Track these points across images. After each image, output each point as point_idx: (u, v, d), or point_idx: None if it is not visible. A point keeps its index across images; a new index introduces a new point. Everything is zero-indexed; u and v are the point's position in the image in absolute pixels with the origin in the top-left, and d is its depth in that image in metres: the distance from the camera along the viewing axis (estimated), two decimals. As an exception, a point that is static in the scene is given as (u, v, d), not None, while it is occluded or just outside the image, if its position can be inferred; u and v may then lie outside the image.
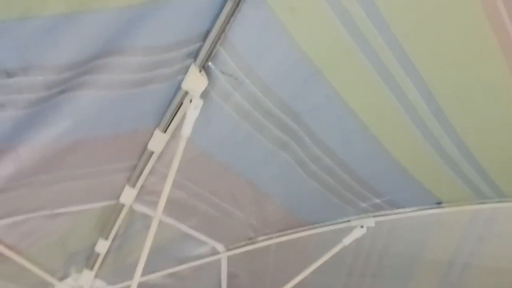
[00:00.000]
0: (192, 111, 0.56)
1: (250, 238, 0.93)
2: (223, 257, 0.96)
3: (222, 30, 0.50)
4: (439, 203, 0.84)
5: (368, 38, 0.49)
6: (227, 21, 0.49)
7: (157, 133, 0.62)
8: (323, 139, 0.65)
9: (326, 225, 0.89)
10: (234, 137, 0.67)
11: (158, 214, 0.69)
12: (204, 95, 0.57)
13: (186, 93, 0.56)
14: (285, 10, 0.48)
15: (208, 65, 0.55)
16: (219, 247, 0.94)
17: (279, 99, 0.59)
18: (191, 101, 0.56)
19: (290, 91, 0.58)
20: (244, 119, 0.62)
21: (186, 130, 0.57)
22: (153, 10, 0.44)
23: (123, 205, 0.75)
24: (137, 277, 0.76)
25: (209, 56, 0.53)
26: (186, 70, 0.55)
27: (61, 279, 0.91)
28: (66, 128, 0.55)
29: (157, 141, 0.63)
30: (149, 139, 0.63)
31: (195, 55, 0.53)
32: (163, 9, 0.44)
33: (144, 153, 0.66)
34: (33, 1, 0.38)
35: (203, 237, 0.90)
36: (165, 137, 0.62)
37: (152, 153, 0.65)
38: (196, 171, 0.73)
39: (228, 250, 0.95)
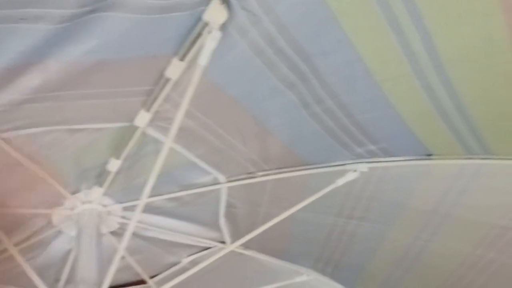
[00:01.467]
0: (210, 42, 0.60)
1: (250, 172, 1.00)
2: (224, 187, 1.03)
3: (247, -35, 0.53)
4: (429, 155, 0.90)
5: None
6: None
7: (175, 61, 0.66)
8: (329, 82, 0.70)
9: (322, 167, 0.96)
10: (246, 73, 0.71)
11: (169, 140, 0.75)
12: (223, 28, 0.61)
13: (206, 24, 0.60)
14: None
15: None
16: (221, 178, 1.01)
17: (293, 39, 0.62)
18: (210, 32, 0.60)
19: (304, 32, 0.61)
20: (258, 55, 0.66)
21: (204, 59, 0.61)
22: None
23: (136, 128, 0.81)
24: (144, 198, 0.84)
25: (232, -11, 0.56)
26: (208, 1, 0.58)
27: (73, 193, 0.99)
28: (92, 47, 0.59)
29: (175, 69, 0.67)
30: (167, 66, 0.68)
31: (218, -11, 0.57)
32: None
33: (161, 80, 0.70)
34: None
35: (207, 167, 0.96)
36: (183, 65, 0.66)
37: (168, 80, 0.70)
38: (207, 102, 0.78)
39: (229, 181, 1.02)
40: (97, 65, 0.63)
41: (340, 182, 0.91)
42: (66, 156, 0.88)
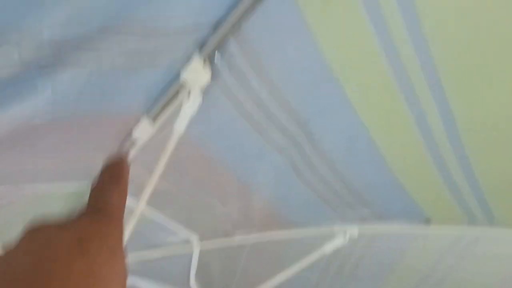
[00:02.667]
0: (189, 106, 0.49)
1: (228, 232, 0.89)
2: (196, 247, 0.92)
3: (237, 20, 0.44)
4: (427, 220, 0.82)
5: (400, 51, 0.44)
6: (244, 12, 0.43)
7: (145, 120, 0.55)
8: (325, 149, 0.61)
9: (309, 229, 0.86)
10: (229, 132, 0.61)
11: (140, 206, 0.64)
12: (205, 88, 0.51)
13: (185, 83, 0.50)
14: (314, 8, 0.42)
15: (214, 56, 0.48)
16: (194, 237, 0.89)
17: (287, 102, 0.53)
18: (189, 93, 0.49)
19: (301, 95, 0.52)
20: (244, 116, 0.56)
21: (180, 126, 0.51)
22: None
23: (97, 188, 0.69)
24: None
25: (217, 46, 0.46)
26: (188, 58, 0.48)
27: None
28: (42, 108, 0.48)
29: (144, 129, 0.56)
30: (135, 125, 0.57)
31: (201, 43, 0.46)
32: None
33: (127, 138, 0.59)
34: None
35: (179, 226, 0.85)
36: (153, 126, 0.56)
37: (136, 139, 0.59)
38: (183, 159, 0.67)
39: (203, 241, 0.90)
40: (49, 123, 0.52)
41: (328, 249, 0.82)
42: (13, 215, 0.75)
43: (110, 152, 0.63)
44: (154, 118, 0.55)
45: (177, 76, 0.49)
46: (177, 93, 0.51)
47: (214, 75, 0.50)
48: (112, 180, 0.39)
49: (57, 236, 0.30)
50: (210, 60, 0.48)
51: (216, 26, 0.44)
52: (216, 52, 0.47)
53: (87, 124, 0.55)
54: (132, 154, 0.63)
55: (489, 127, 0.52)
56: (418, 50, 0.42)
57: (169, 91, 0.51)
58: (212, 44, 0.46)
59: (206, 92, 0.52)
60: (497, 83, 0.46)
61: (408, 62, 0.44)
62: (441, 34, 0.41)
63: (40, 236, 0.30)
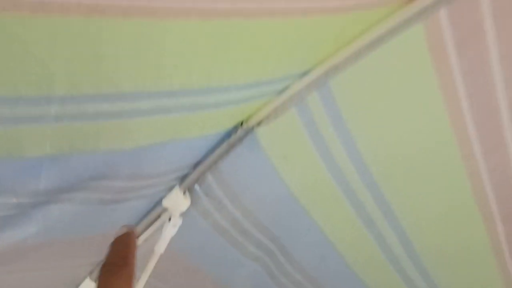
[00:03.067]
0: (169, 229, 0.54)
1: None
2: None
3: (214, 162, 0.49)
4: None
5: (356, 192, 0.50)
6: (220, 157, 0.49)
7: (129, 238, 0.59)
8: (297, 259, 0.65)
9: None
10: (208, 247, 0.65)
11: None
12: (185, 212, 0.56)
13: (166, 209, 0.55)
14: (278, 157, 0.48)
15: (194, 187, 0.54)
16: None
17: (259, 223, 0.58)
18: (170, 219, 0.54)
19: (272, 219, 0.57)
20: (221, 234, 0.60)
21: (161, 247, 0.55)
22: (147, 150, 0.43)
23: (80, 295, 0.71)
24: None
25: (197, 180, 0.52)
26: (170, 189, 0.53)
27: None
28: (33, 232, 0.52)
29: (127, 245, 0.60)
30: (119, 241, 0.61)
31: (181, 178, 0.52)
32: (155, 149, 0.43)
33: (111, 253, 0.63)
34: (12, 147, 0.36)
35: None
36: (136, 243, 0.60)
37: (120, 253, 0.62)
38: (163, 269, 0.70)
39: None
40: (37, 246, 0.56)
41: None
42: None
43: (95, 264, 0.67)
44: (137, 236, 0.59)
45: (159, 203, 0.55)
46: (159, 216, 0.56)
47: (194, 202, 0.55)
48: (119, 262, 0.38)
49: None
50: (190, 190, 0.54)
51: (196, 166, 0.50)
52: (196, 184, 0.53)
53: (74, 242, 0.59)
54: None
55: (443, 255, 0.57)
56: (369, 188, 0.49)
57: (151, 215, 0.56)
58: (192, 179, 0.51)
59: (187, 215, 0.56)
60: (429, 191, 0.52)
61: (361, 195, 0.50)
62: (381, 169, 0.47)
63: None
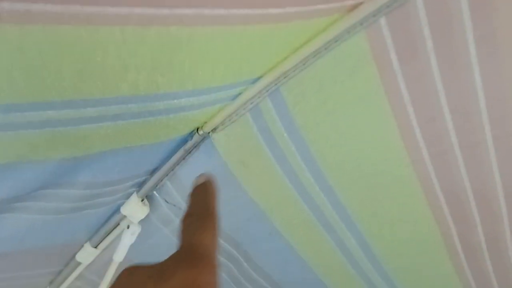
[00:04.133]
0: (128, 237, 0.53)
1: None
2: None
3: (171, 169, 0.49)
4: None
5: (313, 196, 0.50)
6: (177, 163, 0.49)
7: (87, 247, 0.58)
8: (260, 265, 0.65)
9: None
10: (168, 253, 0.64)
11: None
12: (144, 219, 0.55)
13: (124, 216, 0.54)
14: (236, 162, 0.48)
15: (152, 194, 0.53)
16: None
17: (221, 229, 0.58)
18: (128, 226, 0.54)
19: (233, 225, 0.57)
20: (183, 241, 0.60)
21: (120, 255, 0.54)
22: (100, 158, 0.42)
23: (40, 306, 0.69)
24: None
25: (155, 187, 0.52)
26: (127, 196, 0.53)
27: None
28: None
29: (86, 254, 0.59)
30: (78, 250, 0.60)
31: (139, 185, 0.52)
32: (108, 157, 0.43)
33: (71, 262, 0.62)
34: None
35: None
36: (96, 252, 0.59)
37: (79, 263, 0.61)
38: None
39: None
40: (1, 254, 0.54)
41: None
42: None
43: (55, 274, 0.65)
44: (96, 245, 0.58)
45: (117, 210, 0.54)
46: (118, 224, 0.56)
47: (153, 209, 0.55)
48: (201, 213, 0.35)
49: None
50: (148, 197, 0.53)
51: (153, 173, 0.50)
52: (154, 191, 0.53)
53: (32, 252, 0.57)
54: (76, 273, 0.66)
55: (399, 253, 0.58)
56: (325, 193, 0.49)
57: (109, 223, 0.55)
58: (149, 186, 0.51)
59: (146, 222, 0.56)
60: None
61: (318, 200, 0.51)
62: (335, 174, 0.48)
63: (133, 281, 0.28)
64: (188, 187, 0.53)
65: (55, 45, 0.28)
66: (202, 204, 0.35)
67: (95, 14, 0.26)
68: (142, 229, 0.56)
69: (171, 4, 0.26)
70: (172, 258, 0.30)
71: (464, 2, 0.32)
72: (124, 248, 0.54)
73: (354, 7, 0.34)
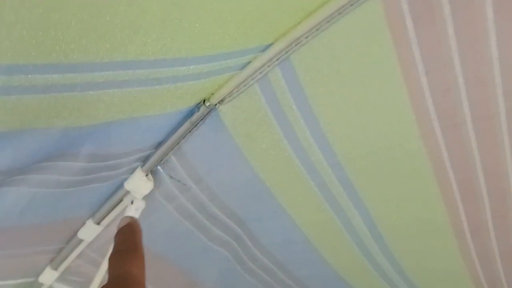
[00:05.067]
0: (132, 213, 0.53)
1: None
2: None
3: (177, 143, 0.48)
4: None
5: (320, 172, 0.50)
6: (182, 136, 0.48)
7: (90, 223, 0.57)
8: (264, 244, 0.64)
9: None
10: (173, 232, 0.64)
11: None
12: (148, 195, 0.54)
13: (128, 192, 0.53)
14: (242, 136, 0.47)
15: (157, 169, 0.52)
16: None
17: (225, 206, 0.57)
18: (132, 202, 0.53)
19: (238, 202, 0.57)
20: (186, 219, 0.59)
21: (123, 231, 0.53)
22: (104, 128, 0.41)
23: (41, 284, 0.69)
24: None
25: (159, 162, 0.51)
26: (132, 171, 0.52)
27: None
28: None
29: (89, 231, 0.58)
30: (80, 227, 0.59)
31: (143, 160, 0.51)
32: (114, 128, 0.42)
33: (72, 239, 0.61)
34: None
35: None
36: (98, 228, 0.58)
37: (81, 240, 0.61)
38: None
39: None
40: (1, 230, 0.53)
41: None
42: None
43: (55, 252, 0.65)
44: (98, 222, 0.57)
45: (121, 186, 0.53)
46: (121, 200, 0.55)
47: (157, 184, 0.54)
48: (128, 248, 0.36)
49: None
50: (153, 172, 0.52)
51: (158, 146, 0.49)
52: (158, 166, 0.52)
53: (33, 228, 0.56)
54: (77, 251, 0.65)
55: (405, 234, 0.58)
56: (333, 168, 0.49)
57: (113, 198, 0.54)
58: (154, 160, 0.50)
59: (150, 198, 0.55)
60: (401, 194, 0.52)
61: (326, 176, 0.50)
62: (344, 149, 0.47)
63: None
64: (193, 163, 0.53)
65: (64, 3, 0.27)
66: (128, 241, 0.37)
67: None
68: (146, 206, 0.56)
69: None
70: (103, 285, 0.31)
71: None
72: (127, 223, 0.53)
73: (371, -31, 0.33)
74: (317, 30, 0.37)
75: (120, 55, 0.32)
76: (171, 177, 0.53)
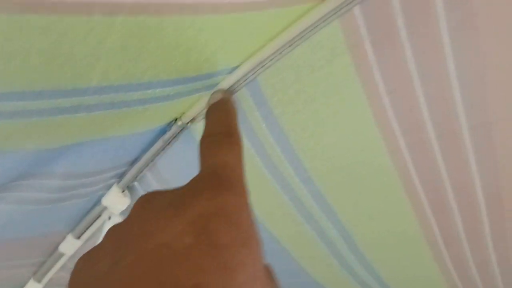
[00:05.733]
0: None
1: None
2: None
3: (151, 160, 0.49)
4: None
5: (293, 187, 0.50)
6: (156, 154, 0.48)
7: (70, 238, 0.58)
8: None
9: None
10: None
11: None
12: (126, 209, 0.55)
13: (106, 208, 0.54)
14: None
15: (133, 185, 0.53)
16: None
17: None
18: (110, 217, 0.54)
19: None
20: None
21: (101, 246, 0.54)
22: (76, 148, 0.42)
23: (25, 297, 0.69)
24: None
25: (135, 178, 0.52)
26: (109, 187, 0.53)
27: None
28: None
29: (69, 245, 0.59)
30: (61, 241, 0.60)
31: (119, 176, 0.52)
32: (86, 147, 0.43)
33: (54, 253, 0.62)
34: None
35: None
36: (78, 242, 0.59)
37: (63, 254, 0.61)
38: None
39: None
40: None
41: None
42: None
43: (38, 265, 0.65)
44: (78, 236, 0.58)
45: (99, 201, 0.54)
46: (99, 215, 0.55)
47: (135, 199, 0.54)
48: (222, 132, 0.29)
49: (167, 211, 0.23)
50: (130, 188, 0.53)
51: (133, 163, 0.50)
52: (135, 182, 0.52)
53: (14, 243, 0.57)
54: (60, 264, 0.66)
55: (380, 244, 0.59)
56: (305, 184, 0.49)
57: (91, 214, 0.55)
58: (130, 177, 0.51)
59: (126, 212, 0.56)
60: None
61: (299, 191, 0.51)
62: (314, 165, 0.48)
63: (151, 210, 0.24)
64: (168, 178, 0.53)
65: (21, 34, 0.28)
66: (222, 122, 0.31)
67: (61, 2, 0.26)
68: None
69: (136, -8, 0.26)
70: (194, 182, 0.26)
71: (437, -9, 0.32)
72: (105, 239, 0.54)
73: (328, -4, 0.34)
74: (280, 53, 0.38)
75: (83, 83, 0.33)
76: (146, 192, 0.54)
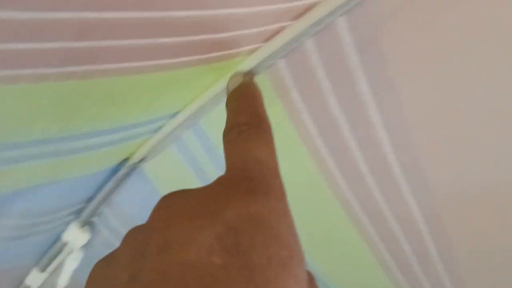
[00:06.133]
0: (71, 262, 0.55)
1: None
2: None
3: (107, 197, 0.51)
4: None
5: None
6: (111, 192, 0.50)
7: (35, 271, 0.60)
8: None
9: None
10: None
11: None
12: (87, 244, 0.57)
13: (67, 243, 0.56)
14: (167, 189, 0.50)
15: (92, 220, 0.55)
16: None
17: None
18: (70, 252, 0.55)
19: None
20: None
21: (64, 280, 0.56)
22: (30, 191, 0.44)
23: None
24: None
25: (93, 214, 0.53)
26: (68, 223, 0.54)
27: None
28: None
29: (35, 278, 0.60)
30: (27, 274, 0.61)
31: (77, 213, 0.53)
32: (41, 189, 0.44)
33: (20, 286, 0.63)
34: None
35: None
36: (44, 275, 0.60)
37: (29, 286, 0.63)
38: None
39: None
40: None
41: None
42: None
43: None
44: (43, 269, 0.60)
45: (59, 237, 0.55)
46: (61, 250, 0.57)
47: (95, 234, 0.56)
48: (249, 122, 0.25)
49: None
50: (89, 223, 0.55)
51: (89, 201, 0.52)
52: (95, 217, 0.54)
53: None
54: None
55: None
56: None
57: (53, 249, 0.57)
58: (88, 213, 0.53)
59: (90, 246, 0.57)
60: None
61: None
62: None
63: (174, 215, 0.21)
64: (125, 212, 0.55)
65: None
66: (247, 110, 0.26)
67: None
68: (87, 252, 0.58)
69: (59, 63, 0.28)
70: (222, 185, 0.22)
71: (351, 45, 0.35)
72: (67, 273, 0.56)
73: (253, 50, 0.36)
74: (217, 100, 0.40)
75: (23, 137, 0.35)
76: (107, 227, 0.56)
